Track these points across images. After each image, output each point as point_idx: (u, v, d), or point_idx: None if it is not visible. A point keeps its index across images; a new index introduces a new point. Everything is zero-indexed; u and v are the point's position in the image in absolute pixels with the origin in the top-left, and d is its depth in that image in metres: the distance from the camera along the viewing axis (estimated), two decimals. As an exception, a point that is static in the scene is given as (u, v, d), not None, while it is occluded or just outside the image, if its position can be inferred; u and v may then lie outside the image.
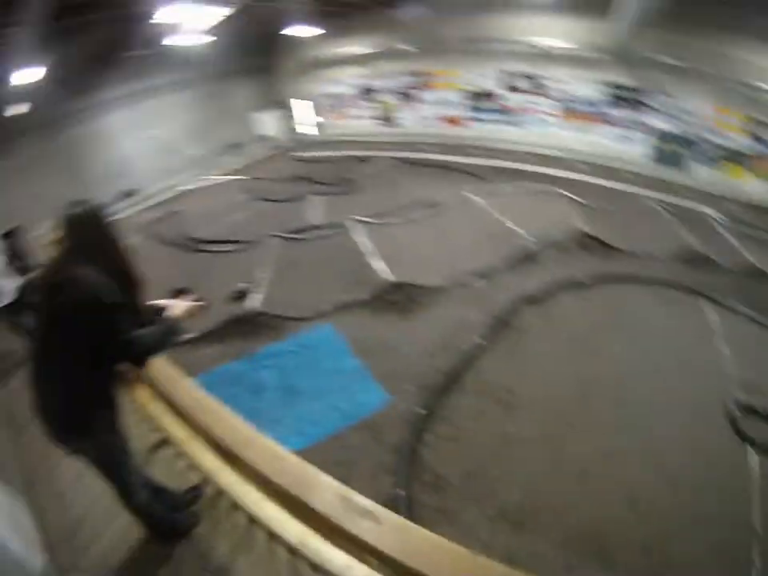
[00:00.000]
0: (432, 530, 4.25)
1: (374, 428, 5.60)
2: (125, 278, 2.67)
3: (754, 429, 5.46)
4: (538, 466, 5.05)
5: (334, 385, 6.30)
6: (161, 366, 3.08)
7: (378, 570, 2.10)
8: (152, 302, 3.04)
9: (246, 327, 7.61)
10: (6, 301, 6.59)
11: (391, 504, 4.56)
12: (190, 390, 2.86)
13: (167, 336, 2.74)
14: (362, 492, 4.65)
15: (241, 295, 8.46)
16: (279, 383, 6.43)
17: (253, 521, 3.04)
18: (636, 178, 15.33)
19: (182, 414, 3.07)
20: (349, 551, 2.23)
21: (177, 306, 2.96)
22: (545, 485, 4.85)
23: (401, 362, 6.62)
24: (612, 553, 4.25)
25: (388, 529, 1.69)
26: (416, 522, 4.28)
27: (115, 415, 2.81)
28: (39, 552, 3.46)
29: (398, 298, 8.03)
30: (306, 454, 5.12)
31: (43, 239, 7.58)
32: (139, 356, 2.64)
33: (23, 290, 6.91)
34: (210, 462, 3.25)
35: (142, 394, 3.48)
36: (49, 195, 16.58)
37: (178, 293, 3.10)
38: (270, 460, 2.21)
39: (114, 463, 2.87)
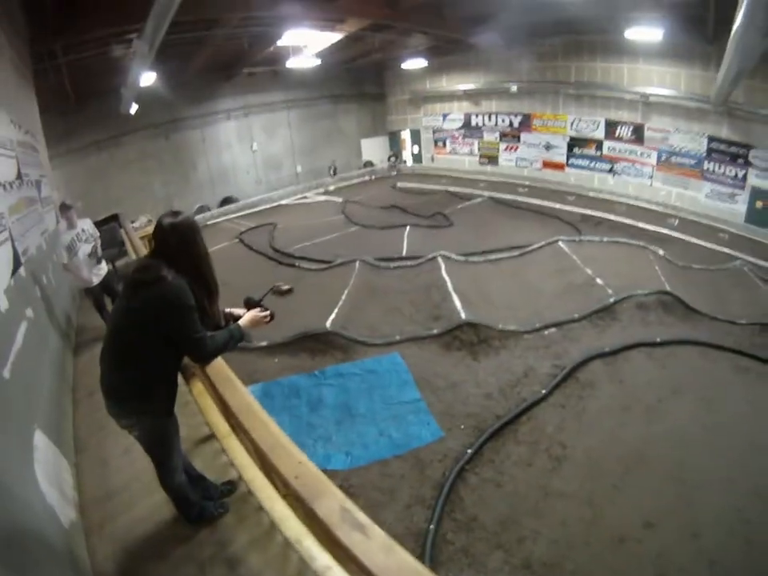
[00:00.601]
0: (453, 568, 4.35)
1: (420, 461, 5.65)
2: (203, 283, 2.95)
3: None
4: (573, 524, 4.97)
5: (391, 413, 6.40)
6: (221, 367, 3.29)
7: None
8: (227, 309, 3.36)
9: (317, 345, 7.85)
10: (96, 282, 7.00)
11: (419, 536, 4.69)
12: (241, 394, 3.05)
13: (232, 340, 3.01)
14: (394, 521, 4.81)
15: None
16: (338, 402, 6.60)
17: (273, 525, 3.24)
18: (730, 239, 14.68)
19: (228, 414, 3.27)
20: (334, 556, 2.45)
21: (248, 315, 3.23)
22: (577, 544, 4.76)
23: (459, 401, 6.65)
24: None
25: (375, 545, 1.78)
26: (437, 559, 4.40)
27: (171, 401, 3.08)
28: (73, 509, 3.76)
29: (470, 338, 8.05)
30: (349, 474, 5.32)
31: (139, 233, 8.15)
32: (204, 355, 2.99)
33: (111, 276, 7.43)
34: (244, 460, 3.53)
35: (200, 389, 3.70)
36: (152, 190, 17.85)
37: (250, 302, 3.34)
38: (292, 464, 2.36)
39: (161, 444, 3.13)
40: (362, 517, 1.93)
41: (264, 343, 7.66)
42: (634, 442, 6.07)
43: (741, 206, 15.36)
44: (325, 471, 5.06)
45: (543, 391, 6.79)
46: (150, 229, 2.83)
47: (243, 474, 3.63)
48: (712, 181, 15.88)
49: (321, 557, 2.65)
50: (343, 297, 9.31)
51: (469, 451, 5.66)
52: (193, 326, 2.79)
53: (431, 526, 4.72)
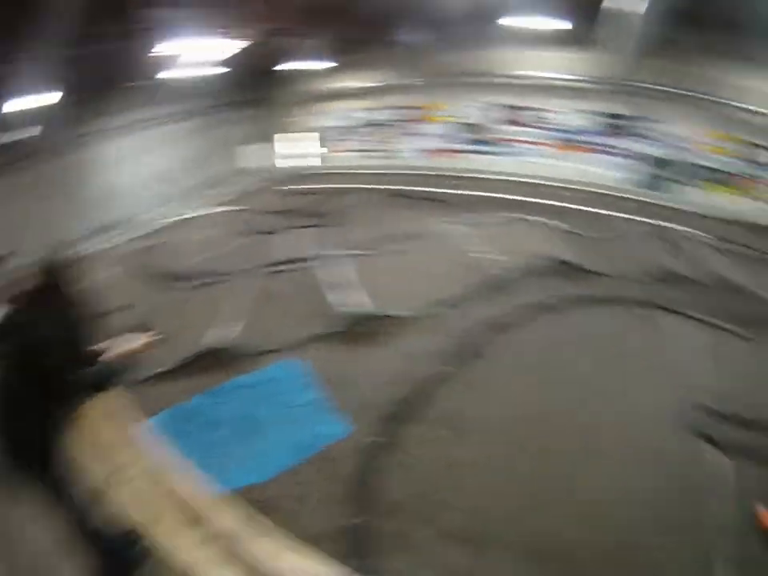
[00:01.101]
0: (389, 554, 4.38)
1: (330, 459, 5.61)
2: (79, 321, 2.89)
3: (711, 429, 5.63)
4: (486, 488, 5.11)
5: (293, 418, 6.30)
6: (104, 406, 3.17)
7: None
8: (106, 342, 3.21)
9: (215, 361, 7.60)
10: None
11: (344, 533, 4.63)
12: (121, 432, 2.96)
13: (112, 375, 2.93)
14: (315, 522, 4.74)
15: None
16: (240, 417, 6.40)
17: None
18: (624, 204, 15.58)
19: (114, 455, 3.15)
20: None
21: (127, 345, 3.12)
22: (500, 506, 4.89)
23: (362, 393, 6.65)
24: (574, 566, 4.28)
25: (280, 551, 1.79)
26: (369, 550, 4.39)
27: (59, 452, 2.92)
28: None
29: (365, 330, 8.11)
30: (261, 487, 5.23)
31: (24, 274, 7.71)
32: (87, 391, 2.89)
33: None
34: (140, 501, 3.28)
35: (88, 435, 3.55)
36: (44, 218, 16.81)
37: (134, 329, 3.26)
38: (186, 490, 2.32)
39: (58, 498, 2.97)
40: (263, 524, 1.92)
41: (160, 369, 7.22)
42: (536, 401, 6.34)
43: (632, 174, 16.52)
44: (236, 489, 5.00)
45: (445, 370, 6.92)
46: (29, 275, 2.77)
47: (136, 516, 3.48)
48: (606, 153, 17.00)
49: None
50: (237, 308, 9.08)
51: (374, 440, 5.70)
52: (69, 365, 2.70)
53: (353, 521, 4.72)
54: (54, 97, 12.66)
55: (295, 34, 15.79)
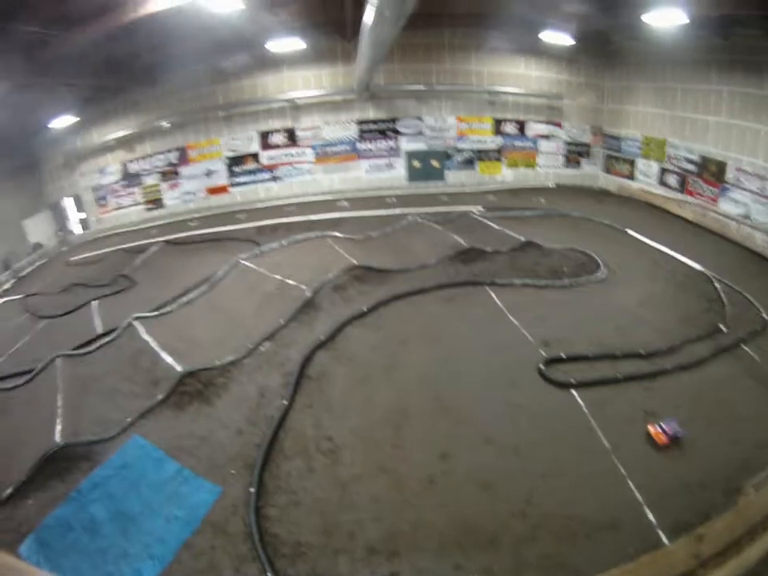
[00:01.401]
0: None
1: (218, 524, 5.67)
2: None
3: (566, 374, 6.68)
4: (383, 495, 5.52)
5: (164, 495, 6.24)
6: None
7: None
8: None
9: (59, 465, 7.16)
10: None
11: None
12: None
13: None
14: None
15: None
16: (111, 513, 6.18)
17: None
18: (398, 200, 17.25)
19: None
20: None
21: None
22: (397, 508, 5.31)
23: (218, 450, 6.72)
24: (489, 534, 4.80)
25: None
26: None
27: None
28: None
29: (196, 387, 8.12)
30: (166, 574, 5.24)
31: None
32: None
33: None
34: None
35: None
36: None
37: None
38: None
39: None
40: None
41: (9, 491, 6.74)
42: (389, 401, 6.95)
43: (400, 170, 18.12)
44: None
45: (284, 401, 7.25)
46: None
47: None
48: (369, 157, 18.76)
49: None
50: (59, 402, 8.53)
51: (252, 489, 5.84)
52: None
53: (268, 575, 4.85)
54: None
55: (45, 86, 15.09)
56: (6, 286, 19.54)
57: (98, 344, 10.58)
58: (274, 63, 17.43)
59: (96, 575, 4.90)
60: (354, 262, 10.82)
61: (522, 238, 11.43)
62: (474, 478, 5.45)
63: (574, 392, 6.41)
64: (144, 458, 6.96)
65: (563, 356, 7.04)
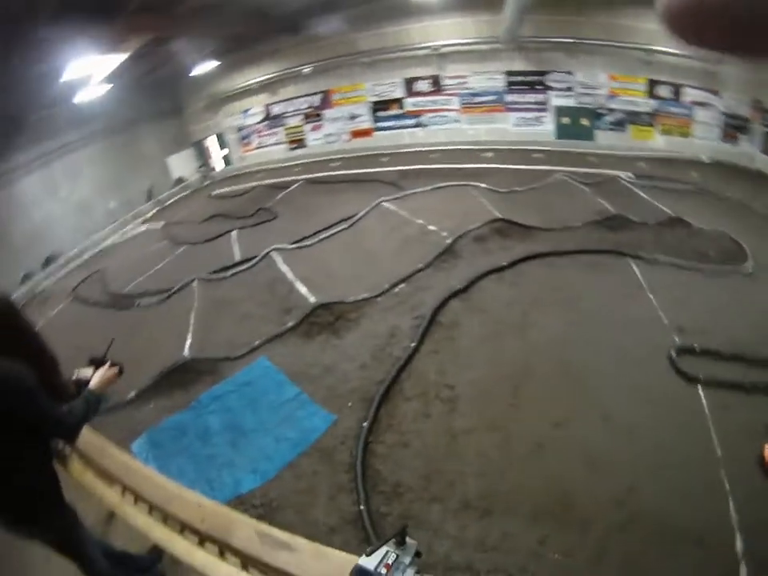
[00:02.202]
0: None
1: (325, 450, 5.62)
2: (38, 359, 2.74)
3: (694, 367, 5.78)
4: (490, 452, 5.18)
5: (279, 416, 6.29)
6: (89, 437, 3.14)
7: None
8: (74, 375, 3.12)
9: (184, 376, 7.48)
10: None
11: (355, 521, 4.67)
12: (116, 457, 2.93)
13: (90, 407, 2.79)
14: (324, 515, 4.78)
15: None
16: (225, 425, 6.36)
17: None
18: (545, 156, 15.93)
19: (114, 481, 3.13)
20: None
21: (96, 376, 2.98)
22: (501, 468, 4.98)
23: (339, 381, 6.66)
24: (582, 516, 4.38)
25: (304, 556, 1.80)
26: (381, 534, 4.44)
27: (58, 494, 2.86)
28: None
29: (327, 319, 8.08)
30: (265, 489, 5.26)
31: None
32: (67, 431, 2.78)
33: None
34: (146, 521, 3.27)
35: (79, 468, 3.51)
36: None
37: (95, 361, 3.12)
38: (193, 509, 2.31)
39: (67, 540, 2.93)
40: (280, 534, 1.92)
41: (132, 393, 7.11)
42: (515, 360, 6.45)
43: (549, 126, 16.92)
44: (240, 495, 5.02)
45: (413, 344, 6.96)
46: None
47: (152, 537, 3.47)
48: (516, 110, 17.36)
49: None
50: (192, 320, 8.92)
51: (365, 424, 5.72)
52: (43, 407, 2.58)
53: (361, 507, 4.74)
54: None
55: (181, 38, 15.51)
56: (149, 215, 20.58)
57: (234, 270, 10.89)
58: (418, 11, 16.66)
59: (198, 478, 4.87)
60: (497, 214, 10.17)
61: (671, 213, 10.23)
62: (582, 453, 5.00)
63: (699, 388, 5.60)
64: (266, 379, 7.08)
65: (696, 348, 6.19)
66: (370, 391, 6.28)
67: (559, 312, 7.29)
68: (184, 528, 2.69)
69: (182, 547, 2.92)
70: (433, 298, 7.99)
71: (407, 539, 1.33)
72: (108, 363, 3.09)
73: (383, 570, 1.23)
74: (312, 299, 8.54)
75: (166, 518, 2.85)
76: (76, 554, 3.00)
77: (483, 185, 12.69)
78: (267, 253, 10.75)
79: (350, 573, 1.23)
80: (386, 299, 8.41)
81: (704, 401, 5.42)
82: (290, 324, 8.14)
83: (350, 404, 6.20)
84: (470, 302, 7.91)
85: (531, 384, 6.02)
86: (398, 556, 1.30)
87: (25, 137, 17.67)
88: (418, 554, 1.37)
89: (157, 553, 3.61)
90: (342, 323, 7.99)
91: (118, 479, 2.84)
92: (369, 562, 1.23)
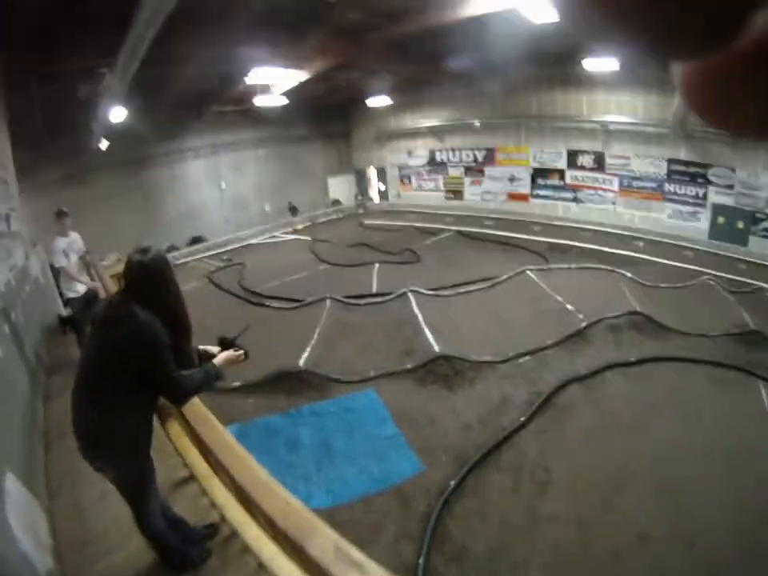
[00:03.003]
0: None
1: (404, 495, 5.55)
2: (175, 321, 2.88)
3: None
4: (566, 546, 4.92)
5: (370, 449, 6.29)
6: (197, 406, 3.22)
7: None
8: (200, 347, 3.30)
9: (291, 383, 7.72)
10: (82, 291, 7.49)
11: (409, 570, 4.56)
12: (219, 433, 2.98)
13: (208, 380, 2.94)
14: (383, 557, 4.68)
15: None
16: (316, 441, 6.45)
17: (261, 566, 3.07)
18: (695, 256, 15.09)
19: (207, 454, 3.18)
20: None
21: (223, 354, 3.16)
22: (571, 565, 4.72)
23: (439, 434, 6.57)
24: None
25: None
26: None
27: (147, 443, 2.99)
28: (49, 556, 3.59)
29: (445, 371, 8.00)
30: (332, 512, 5.22)
31: (108, 270, 8.05)
32: (180, 395, 2.90)
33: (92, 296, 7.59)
34: (226, 501, 3.29)
35: (177, 430, 3.60)
36: (120, 228, 17.51)
37: (224, 341, 3.30)
38: (279, 504, 2.28)
39: (136, 487, 3.04)
40: (356, 554, 1.88)
41: (238, 383, 7.51)
42: (618, 460, 6.09)
43: (703, 224, 15.90)
44: (313, 509, 5.06)
45: (522, 418, 6.76)
46: (120, 267, 2.86)
47: (226, 515, 3.47)
48: (674, 201, 16.46)
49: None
50: (315, 335, 9.18)
51: (452, 483, 5.57)
52: (167, 365, 2.73)
53: (420, 560, 4.62)
54: (136, 113, 13.18)
55: (366, 69, 16.11)
56: (299, 227, 21.46)
57: (369, 300, 11.16)
58: (589, 82, 16.42)
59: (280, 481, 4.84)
60: (637, 307, 9.73)
61: None
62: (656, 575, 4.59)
63: None
64: (369, 411, 7.16)
65: None
66: (466, 453, 6.14)
67: (676, 421, 6.84)
68: (261, 517, 2.70)
69: (253, 535, 2.89)
70: (554, 378, 7.74)
71: None
72: (235, 347, 3.25)
73: None
74: (436, 348, 8.51)
75: (247, 502, 2.89)
76: (137, 503, 3.09)
77: (629, 274, 12.22)
78: (404, 292, 10.87)
79: None
80: (507, 367, 8.21)
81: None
82: (409, 366, 8.16)
83: (443, 459, 6.09)
84: (589, 390, 7.59)
85: (628, 490, 5.66)
86: None
87: (202, 124, 19.16)
88: None
89: (212, 530, 3.66)
90: (457, 379, 7.88)
91: (212, 452, 2.86)
92: None
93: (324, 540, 1.98)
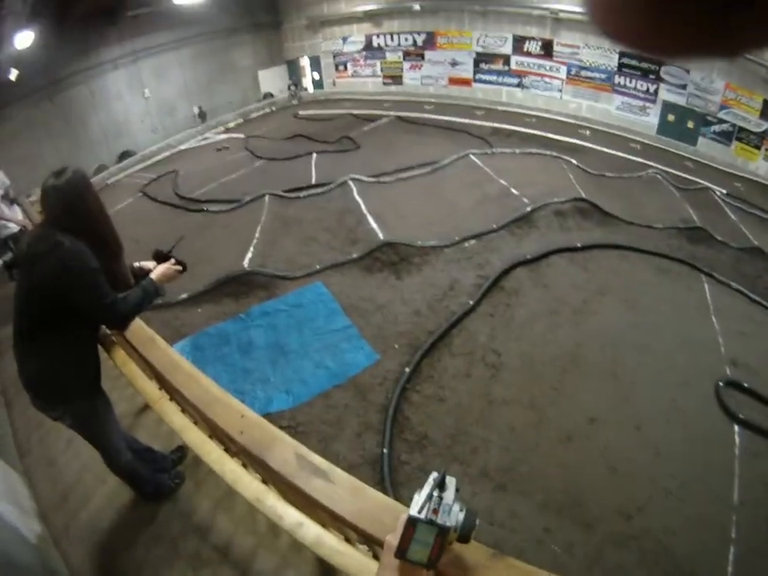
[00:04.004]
0: (410, 486, 4.31)
1: (361, 387, 5.60)
2: (103, 243, 2.71)
3: (739, 404, 5.45)
4: (521, 429, 5.08)
5: (323, 344, 6.27)
6: (140, 328, 3.08)
7: (328, 528, 2.16)
8: (135, 264, 3.14)
9: (238, 287, 7.55)
10: (13, 228, 7.28)
11: (374, 462, 4.66)
12: (166, 353, 2.86)
13: (147, 297, 2.81)
14: (346, 451, 4.74)
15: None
16: (269, 342, 6.38)
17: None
18: (642, 149, 15.36)
19: (157, 377, 3.07)
20: (300, 508, 2.28)
21: (159, 268, 3.01)
22: (527, 447, 4.88)
23: (390, 322, 6.59)
24: (590, 517, 4.28)
25: (340, 489, 1.68)
26: (396, 480, 4.39)
27: (96, 378, 2.92)
28: (35, 520, 3.58)
29: (391, 258, 7.97)
30: (294, 413, 5.23)
31: (36, 207, 7.73)
32: (119, 319, 2.76)
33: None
34: (184, 422, 3.22)
35: (124, 357, 3.48)
36: (44, 159, 16.65)
37: (159, 255, 3.13)
38: (234, 419, 2.20)
39: (95, 427, 2.99)
40: (319, 460, 1.81)
41: (185, 296, 7.30)
42: (566, 343, 6.25)
43: (653, 119, 16.14)
44: (269, 413, 5.04)
45: (470, 302, 6.82)
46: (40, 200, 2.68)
47: (186, 438, 3.44)
48: (623, 94, 16.54)
49: (287, 513, 2.37)
50: (257, 234, 8.99)
51: (407, 370, 5.66)
52: (101, 291, 2.58)
53: (384, 450, 4.73)
54: (41, 33, 12.34)
55: None
56: (231, 125, 20.85)
57: (308, 192, 10.89)
58: None
59: (231, 389, 4.82)
60: (582, 194, 9.80)
61: (756, 242, 9.70)
62: (607, 457, 4.84)
63: (736, 427, 5.24)
64: (318, 305, 7.05)
65: (745, 385, 5.75)
66: (418, 339, 6.21)
67: (621, 308, 7.04)
68: (219, 435, 2.68)
69: (214, 455, 2.85)
70: (500, 262, 7.78)
71: (446, 478, 1.38)
72: (172, 259, 3.09)
73: (432, 516, 1.26)
74: (380, 235, 8.44)
75: (203, 421, 2.83)
76: (100, 442, 3.07)
77: (574, 161, 12.25)
78: (344, 181, 10.67)
79: (405, 523, 1.23)
80: (453, 251, 8.21)
81: (737, 441, 5.15)
82: (354, 256, 8.07)
83: (396, 346, 6.15)
84: (536, 274, 7.67)
85: (576, 372, 5.85)
86: (441, 498, 1.33)
87: (117, 32, 18.03)
88: (457, 490, 1.40)
89: (180, 454, 3.66)
90: (404, 265, 7.86)
91: (160, 374, 2.80)
92: (418, 510, 1.26)
93: (284, 450, 1.91)
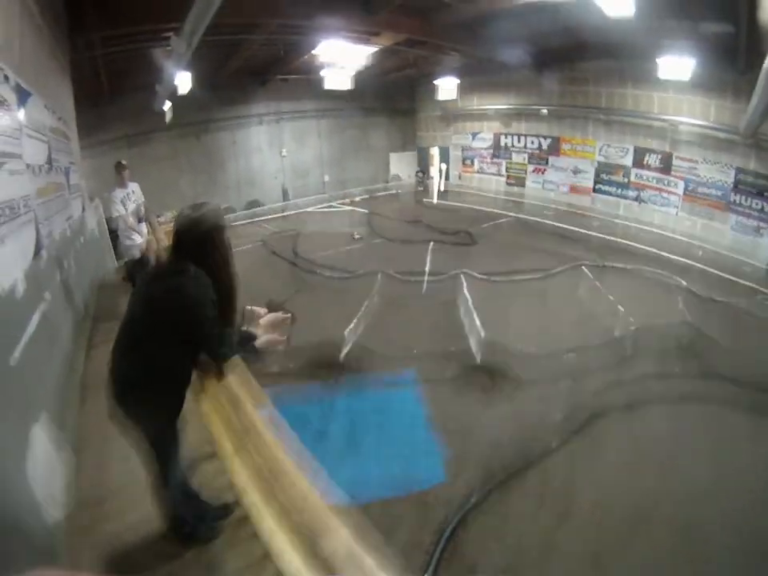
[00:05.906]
0: None
1: (423, 503, 5.44)
2: (223, 279, 2.92)
3: None
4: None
5: (397, 451, 6.16)
6: (231, 382, 3.14)
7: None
8: (246, 307, 3.33)
9: (330, 359, 7.69)
10: (139, 241, 8.29)
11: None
12: (250, 412, 2.89)
13: (248, 340, 2.99)
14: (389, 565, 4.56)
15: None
16: (344, 434, 6.33)
17: (266, 556, 3.02)
18: (753, 272, 14.18)
19: (234, 432, 3.10)
20: None
21: (269, 316, 3.22)
22: None
23: (470, 445, 6.37)
24: None
25: None
26: None
27: (182, 399, 3.04)
28: (60, 509, 3.69)
29: (489, 363, 7.80)
30: (348, 511, 5.09)
31: (163, 227, 8.38)
32: (220, 351, 2.90)
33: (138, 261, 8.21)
34: (246, 484, 3.24)
35: (207, 403, 3.55)
36: (180, 188, 18.09)
37: (272, 304, 3.35)
38: (298, 497, 2.20)
39: (161, 449, 3.07)
40: (369, 559, 1.79)
41: (275, 369, 7.33)
42: (644, 496, 5.82)
43: (766, 240, 15.01)
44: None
45: (554, 444, 6.50)
46: (174, 225, 2.91)
47: (242, 499, 3.44)
48: (738, 213, 15.59)
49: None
50: (362, 308, 9.17)
51: (473, 499, 5.46)
52: (211, 322, 2.76)
53: (426, 575, 4.57)
54: (199, 79, 13.42)
55: (435, 48, 16.04)
56: (357, 199, 21.63)
57: (420, 278, 11.15)
58: (661, 80, 15.46)
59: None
60: (688, 318, 9.30)
61: None
62: None
63: None
64: (404, 411, 7.04)
65: None
66: (492, 469, 5.94)
67: (709, 466, 6.25)
68: (278, 507, 2.59)
69: (267, 525, 2.83)
70: (593, 385, 7.50)
71: None
72: (283, 310, 3.31)
73: None
74: (482, 333, 8.17)
75: (265, 489, 2.75)
76: (161, 459, 3.11)
77: (684, 282, 11.68)
78: (457, 274, 10.83)
79: None
80: (549, 363, 7.92)
81: None
82: (451, 372, 7.85)
83: (469, 473, 5.92)
84: (628, 418, 7.19)
85: (649, 532, 5.36)
86: None
87: (266, 92, 19.49)
88: None
89: (225, 511, 3.66)
90: (499, 380, 7.66)
91: (239, 427, 2.81)
92: None
93: (338, 541, 1.89)
